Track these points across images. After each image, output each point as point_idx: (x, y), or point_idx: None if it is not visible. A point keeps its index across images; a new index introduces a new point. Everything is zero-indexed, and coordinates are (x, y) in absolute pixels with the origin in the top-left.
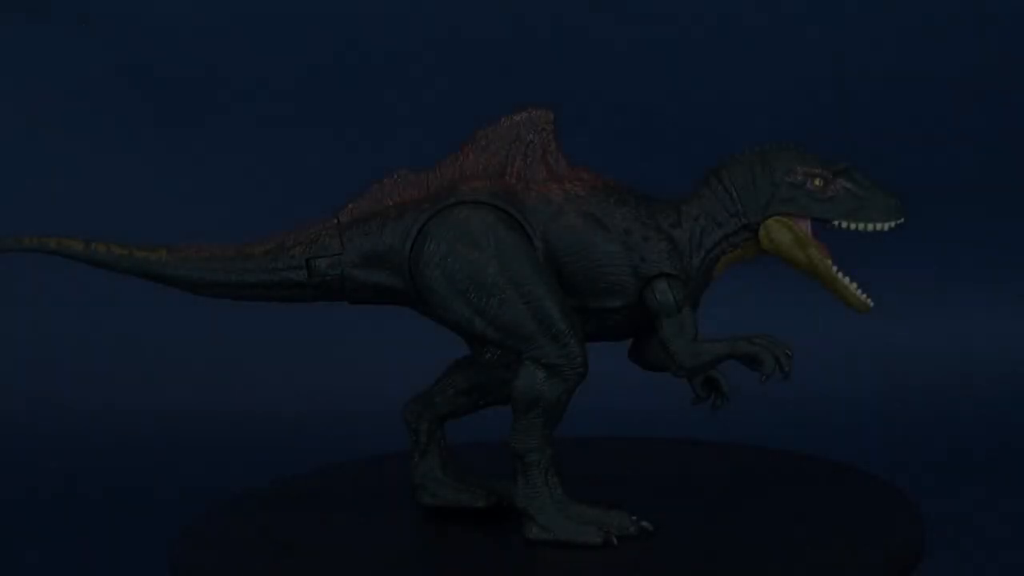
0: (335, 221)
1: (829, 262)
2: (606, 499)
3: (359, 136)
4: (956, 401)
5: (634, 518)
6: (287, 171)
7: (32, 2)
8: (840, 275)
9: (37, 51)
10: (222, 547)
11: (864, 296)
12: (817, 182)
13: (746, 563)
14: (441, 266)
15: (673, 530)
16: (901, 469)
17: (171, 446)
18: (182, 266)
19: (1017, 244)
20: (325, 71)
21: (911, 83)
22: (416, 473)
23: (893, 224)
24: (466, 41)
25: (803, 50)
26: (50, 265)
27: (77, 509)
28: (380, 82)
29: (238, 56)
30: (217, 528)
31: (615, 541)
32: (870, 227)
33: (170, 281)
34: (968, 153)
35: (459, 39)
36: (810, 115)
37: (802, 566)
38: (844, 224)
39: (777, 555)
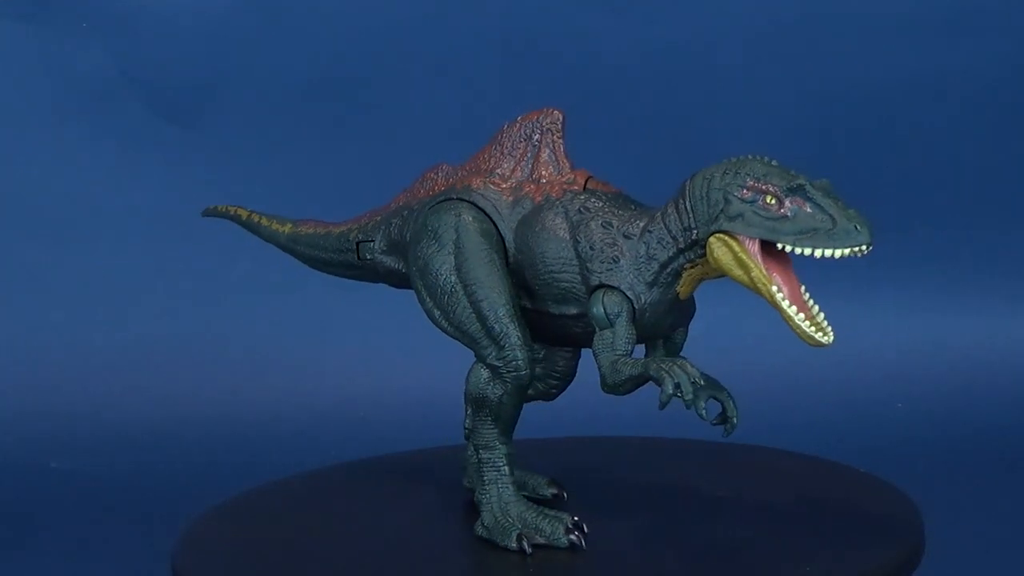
0: (385, 209)
1: (774, 288)
2: (597, 502)
3: (360, 136)
4: (956, 401)
5: (571, 527)
6: (287, 171)
7: (32, 2)
8: (787, 304)
9: (37, 51)
10: (223, 549)
11: (814, 330)
12: (769, 199)
13: (746, 563)
14: (416, 261)
15: (673, 530)
16: (901, 469)
17: (171, 448)
18: (294, 240)
19: (1017, 245)
20: (326, 71)
21: (912, 84)
22: (465, 456)
23: (848, 252)
24: (467, 42)
25: (803, 51)
26: (50, 265)
27: (77, 510)
28: (381, 83)
29: (238, 56)
30: (218, 530)
31: (528, 549)
32: (818, 253)
33: (291, 254)
34: (968, 153)
35: (459, 40)
36: (811, 115)
37: (802, 566)
38: (791, 248)
39: (777, 555)
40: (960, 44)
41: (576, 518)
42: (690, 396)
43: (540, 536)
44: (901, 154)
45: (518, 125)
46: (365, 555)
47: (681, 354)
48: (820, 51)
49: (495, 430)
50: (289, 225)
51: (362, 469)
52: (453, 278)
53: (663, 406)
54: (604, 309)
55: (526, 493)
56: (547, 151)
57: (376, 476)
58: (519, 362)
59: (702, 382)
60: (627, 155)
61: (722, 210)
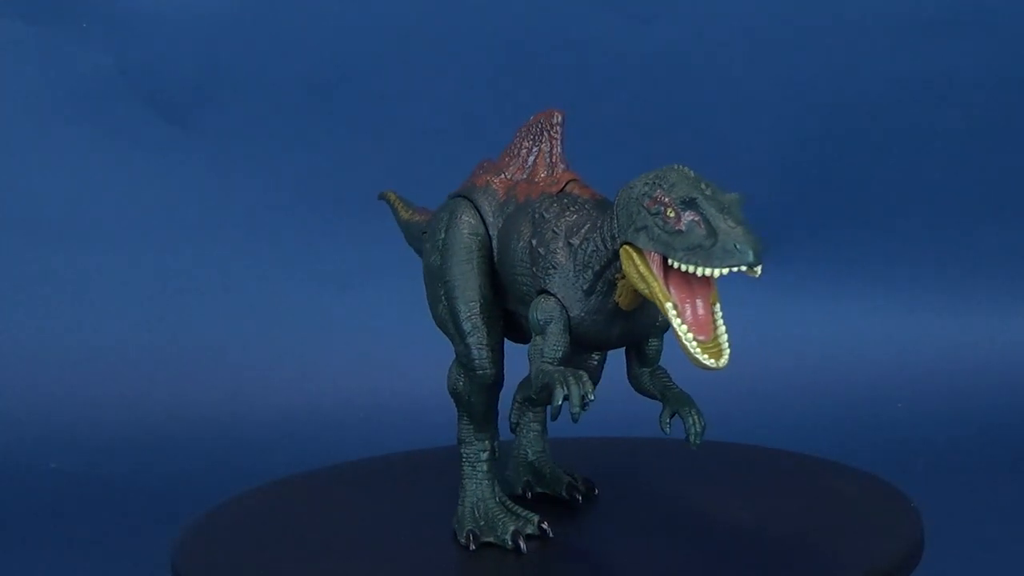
0: None
1: (669, 305)
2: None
3: (359, 137)
4: (956, 401)
5: (518, 533)
6: (287, 171)
7: (32, 2)
8: (678, 323)
9: (37, 51)
10: (223, 549)
11: (700, 351)
12: (669, 212)
13: (746, 563)
14: (423, 256)
15: (673, 530)
16: (901, 469)
17: (171, 448)
18: (404, 227)
19: (1018, 245)
20: (325, 72)
21: (912, 84)
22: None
23: (727, 271)
24: (468, 42)
25: (803, 51)
26: (50, 265)
27: (77, 510)
28: (380, 83)
29: (238, 56)
30: (218, 529)
31: (472, 547)
32: (699, 271)
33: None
34: (968, 154)
35: (460, 40)
36: (811, 116)
37: (802, 566)
38: (679, 264)
39: (777, 555)
40: (960, 45)
41: (544, 525)
42: (576, 409)
43: (491, 536)
44: (900, 155)
45: (528, 125)
46: (365, 555)
47: (660, 365)
48: (820, 52)
49: (470, 426)
50: (408, 213)
51: (362, 469)
52: (438, 273)
53: (553, 417)
54: (537, 315)
55: (546, 490)
56: (545, 152)
57: (376, 476)
58: (481, 360)
59: (591, 397)
60: (627, 155)
61: (633, 221)
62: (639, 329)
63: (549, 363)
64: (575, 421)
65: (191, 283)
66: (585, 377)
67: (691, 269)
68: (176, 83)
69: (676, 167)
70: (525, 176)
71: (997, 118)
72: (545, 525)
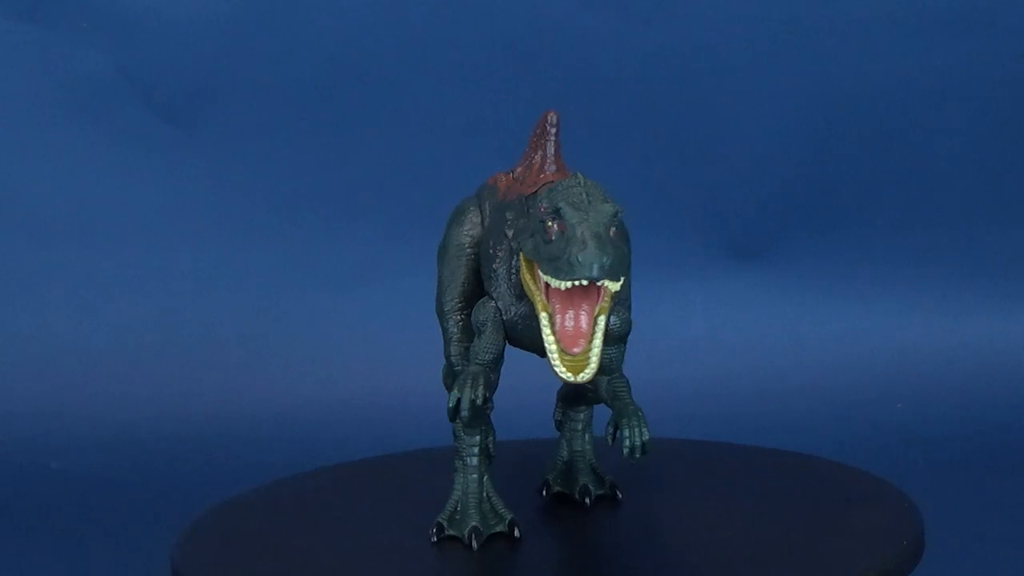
0: None
1: (544, 316)
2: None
3: (360, 138)
4: (956, 401)
5: (474, 532)
6: (287, 172)
7: (32, 2)
8: (547, 332)
9: (37, 51)
10: (223, 548)
11: (559, 363)
12: (549, 222)
13: (745, 563)
14: None
15: (672, 530)
16: (901, 469)
17: (171, 448)
18: None
19: (1017, 245)
20: (326, 72)
21: (913, 84)
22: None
23: (570, 284)
24: (468, 43)
25: (803, 51)
26: (49, 265)
27: (77, 510)
28: (381, 84)
29: (238, 57)
30: (218, 529)
31: (433, 539)
32: (553, 283)
33: None
34: (968, 153)
35: (460, 41)
36: (811, 116)
37: (801, 566)
38: (543, 276)
39: (776, 555)
40: (961, 44)
41: (516, 527)
42: (465, 414)
43: (454, 529)
44: (901, 154)
45: (537, 124)
46: (365, 555)
47: (621, 375)
48: (821, 52)
49: (459, 421)
50: None
51: (362, 469)
52: (438, 267)
53: (450, 418)
54: (477, 316)
55: (563, 489)
56: (540, 153)
57: (376, 476)
58: (456, 357)
59: (479, 402)
60: (627, 156)
61: (528, 228)
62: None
63: (479, 364)
64: (461, 422)
65: (191, 283)
66: (480, 381)
67: (547, 279)
68: (176, 83)
69: (576, 175)
70: (525, 177)
71: (999, 118)
72: (517, 528)
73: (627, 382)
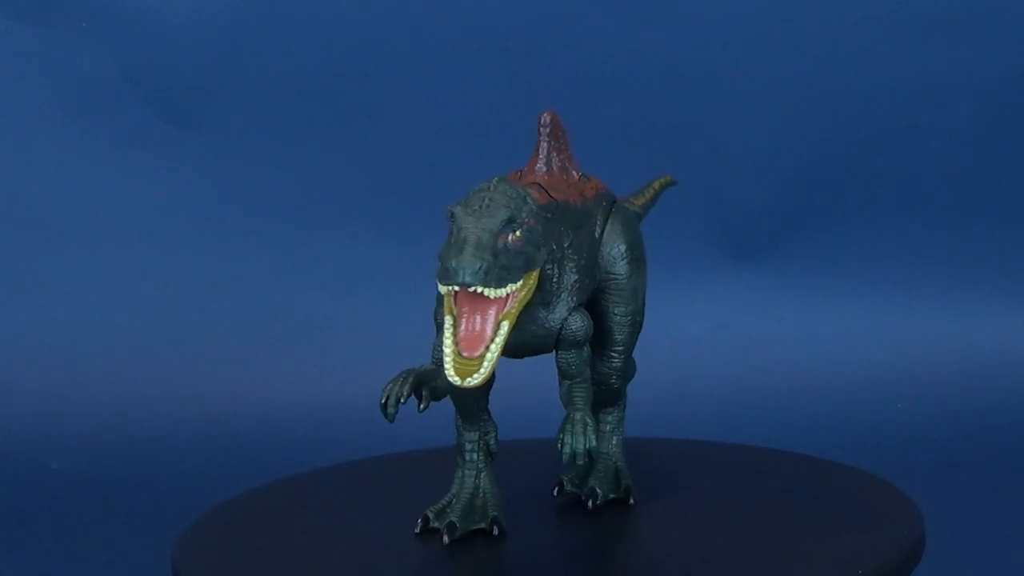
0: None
1: (448, 319)
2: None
3: (360, 138)
4: (956, 401)
5: (448, 524)
6: (288, 172)
7: (32, 2)
8: (448, 334)
9: (37, 51)
10: (223, 549)
11: (450, 364)
12: (450, 226)
13: (745, 563)
14: None
15: (672, 530)
16: (901, 469)
17: (171, 448)
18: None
19: (1018, 244)
20: (326, 72)
21: (913, 84)
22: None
23: (443, 289)
24: (468, 43)
25: (804, 52)
26: (50, 265)
27: (77, 510)
28: (381, 84)
29: (239, 56)
30: (218, 530)
31: (416, 530)
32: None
33: None
34: (969, 153)
35: (460, 41)
36: (812, 116)
37: (802, 566)
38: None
39: (776, 555)
40: (961, 44)
41: (496, 527)
42: (391, 410)
43: (437, 522)
44: (901, 154)
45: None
46: (365, 555)
47: (580, 381)
48: (820, 52)
49: (459, 418)
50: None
51: (362, 469)
52: None
53: (383, 412)
54: (435, 315)
55: (576, 490)
56: (536, 152)
57: (376, 476)
58: (437, 353)
59: (403, 401)
60: (627, 156)
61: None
62: (532, 339)
63: (433, 362)
64: (388, 420)
65: (191, 283)
66: (409, 380)
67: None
68: (177, 83)
69: (494, 179)
70: (520, 178)
71: (998, 118)
72: (496, 527)
73: (587, 389)
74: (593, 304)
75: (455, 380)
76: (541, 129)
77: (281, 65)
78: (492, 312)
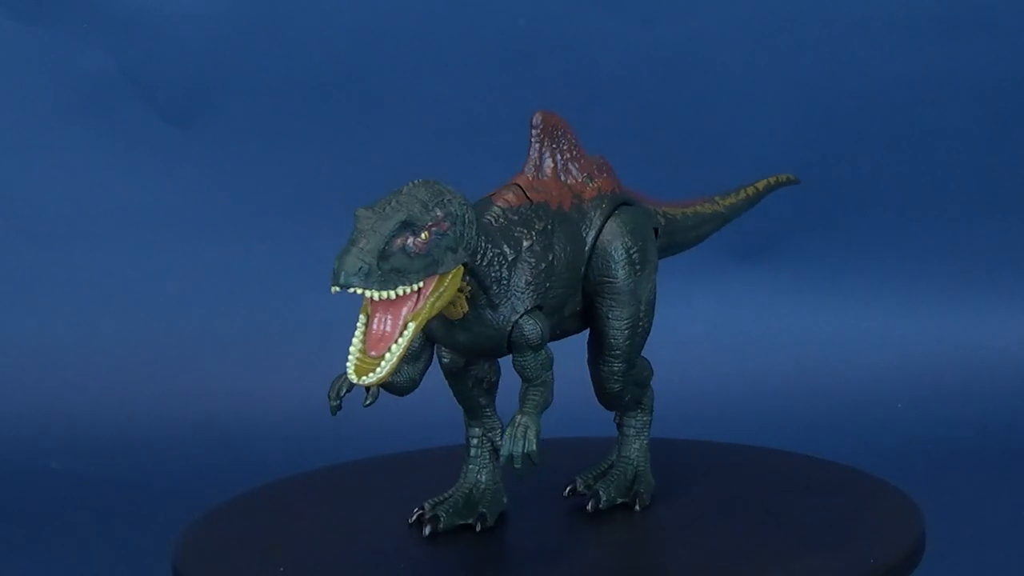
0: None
1: (363, 316)
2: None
3: (359, 137)
4: (956, 401)
5: (433, 517)
6: (287, 172)
7: (32, 2)
8: (358, 332)
9: (37, 51)
10: (223, 549)
11: (351, 361)
12: None
13: (745, 563)
14: None
15: (672, 530)
16: (901, 469)
17: (171, 448)
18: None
19: (1018, 244)
20: (325, 72)
21: (913, 83)
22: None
23: (333, 290)
24: (468, 42)
25: (804, 51)
26: (50, 265)
27: (77, 510)
28: (380, 83)
29: (238, 56)
30: (218, 530)
31: (411, 519)
32: None
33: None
34: (969, 153)
35: (460, 40)
36: (812, 116)
37: (802, 566)
38: None
39: (776, 555)
40: (962, 44)
41: (480, 524)
42: (333, 403)
43: (429, 514)
44: (902, 154)
45: None
46: (365, 555)
47: (536, 384)
48: (821, 52)
49: (464, 414)
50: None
51: (362, 469)
52: None
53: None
54: None
55: (583, 491)
56: (528, 153)
57: (376, 476)
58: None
59: (342, 394)
60: (627, 156)
61: None
62: (482, 340)
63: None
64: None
65: (191, 283)
66: (340, 381)
67: None
68: (177, 83)
69: (415, 182)
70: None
71: (999, 118)
72: (480, 523)
73: (543, 393)
74: (589, 307)
75: (352, 378)
76: (532, 130)
77: (281, 65)
78: (403, 313)
